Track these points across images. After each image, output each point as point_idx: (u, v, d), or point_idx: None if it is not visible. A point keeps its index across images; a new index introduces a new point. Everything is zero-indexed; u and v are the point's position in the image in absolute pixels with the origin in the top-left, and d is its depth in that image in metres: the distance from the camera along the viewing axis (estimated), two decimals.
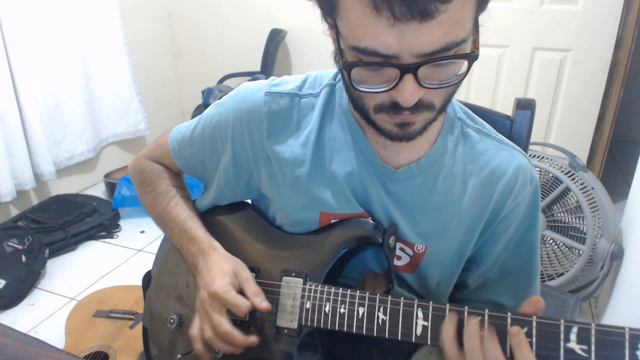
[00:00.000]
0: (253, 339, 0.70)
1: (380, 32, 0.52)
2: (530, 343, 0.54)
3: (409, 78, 0.54)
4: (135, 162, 0.93)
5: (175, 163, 0.88)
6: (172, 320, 0.82)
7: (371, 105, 0.62)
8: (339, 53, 0.59)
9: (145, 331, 0.89)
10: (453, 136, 0.74)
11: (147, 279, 0.93)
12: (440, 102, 0.61)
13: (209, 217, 0.88)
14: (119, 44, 2.89)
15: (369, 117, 0.64)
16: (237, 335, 0.70)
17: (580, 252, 1.77)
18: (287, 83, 0.77)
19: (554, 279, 1.84)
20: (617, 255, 1.72)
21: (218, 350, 0.75)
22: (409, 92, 0.55)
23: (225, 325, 0.70)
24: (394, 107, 0.59)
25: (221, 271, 0.73)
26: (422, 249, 0.75)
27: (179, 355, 0.81)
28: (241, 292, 0.72)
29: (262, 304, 0.70)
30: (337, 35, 0.58)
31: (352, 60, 0.57)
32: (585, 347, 0.51)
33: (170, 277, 0.87)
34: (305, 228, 0.78)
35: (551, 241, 1.85)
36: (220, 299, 0.70)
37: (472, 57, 0.55)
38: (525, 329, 0.54)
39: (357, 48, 0.54)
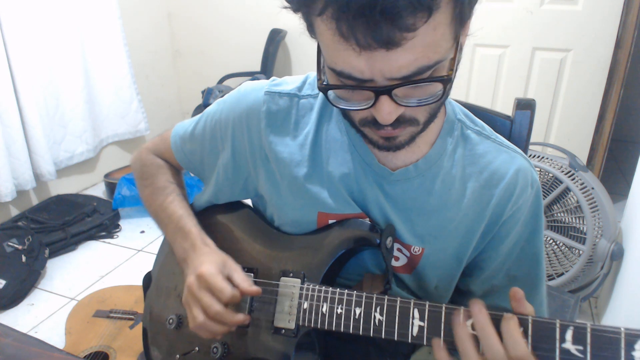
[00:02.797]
0: (242, 317, 0.71)
1: (351, 59, 0.52)
2: (526, 343, 0.54)
3: (384, 99, 0.55)
4: (138, 154, 0.93)
5: (175, 158, 0.89)
6: (171, 320, 0.82)
7: (356, 118, 0.63)
8: (318, 71, 0.60)
9: (145, 331, 0.89)
10: (452, 138, 0.73)
11: (148, 279, 0.93)
12: (425, 116, 0.62)
13: (207, 217, 0.89)
14: (119, 44, 2.90)
15: (357, 128, 0.65)
16: (229, 314, 0.70)
17: (580, 252, 1.77)
18: (287, 83, 0.78)
19: (554, 279, 1.83)
20: (617, 255, 1.72)
21: (216, 350, 0.75)
22: (385, 111, 0.56)
23: (216, 305, 0.69)
24: (377, 122, 0.59)
25: (210, 259, 0.74)
26: (418, 250, 0.75)
27: (178, 356, 0.81)
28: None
29: (252, 287, 0.71)
30: (318, 51, 0.59)
31: (331, 79, 0.58)
32: (581, 347, 0.51)
33: (170, 278, 0.87)
34: (303, 228, 0.78)
35: (551, 241, 1.85)
36: (205, 281, 0.70)
37: (445, 81, 0.55)
38: (521, 329, 0.54)
39: (334, 70, 0.55)
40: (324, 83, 0.59)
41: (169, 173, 0.90)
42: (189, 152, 0.87)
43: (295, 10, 0.57)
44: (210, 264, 0.73)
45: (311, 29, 0.57)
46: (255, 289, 0.71)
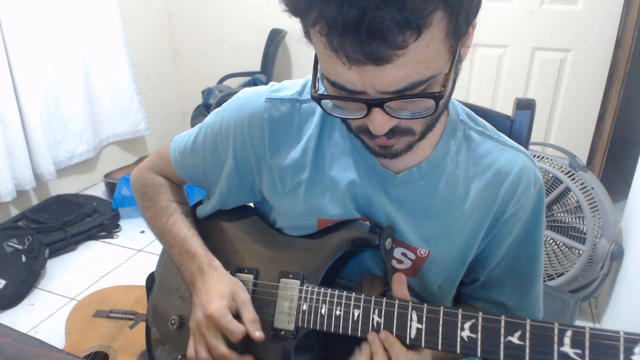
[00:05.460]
0: (248, 358, 0.71)
1: (342, 71, 0.52)
2: (524, 347, 0.54)
3: (377, 111, 0.55)
4: (137, 174, 0.92)
5: (177, 174, 0.88)
6: (173, 321, 0.82)
7: (352, 125, 0.63)
8: (313, 78, 0.60)
9: (147, 331, 0.90)
10: (455, 139, 0.73)
11: (151, 279, 0.94)
12: (421, 127, 0.61)
13: (209, 218, 0.89)
14: (119, 44, 2.89)
15: (355, 134, 0.65)
16: (233, 358, 0.71)
17: (580, 252, 1.77)
18: (287, 89, 0.77)
19: (554, 279, 1.83)
20: (617, 255, 1.72)
21: None
22: (378, 123, 0.56)
23: (221, 348, 0.70)
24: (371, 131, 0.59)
25: (219, 293, 0.73)
26: (425, 253, 0.75)
27: (180, 356, 0.81)
28: (237, 315, 0.72)
29: (256, 333, 0.70)
30: (315, 58, 0.59)
31: (327, 86, 0.58)
32: (579, 351, 0.51)
33: (173, 278, 0.87)
34: (304, 232, 0.78)
35: (551, 241, 1.85)
36: (216, 322, 0.70)
37: (437, 97, 0.54)
38: (519, 333, 0.54)
39: (328, 79, 0.56)
40: (318, 92, 0.59)
41: (169, 192, 0.89)
42: (191, 166, 0.86)
43: (293, 16, 0.57)
44: (219, 300, 0.72)
45: (307, 36, 0.57)
46: (259, 335, 0.70)
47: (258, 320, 0.72)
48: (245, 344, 0.74)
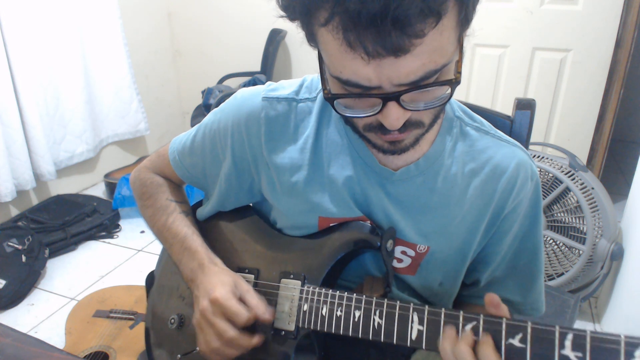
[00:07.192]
0: (257, 339, 0.71)
1: (358, 68, 0.52)
2: (525, 349, 0.54)
3: (392, 105, 0.55)
4: (137, 174, 0.92)
5: (176, 174, 0.88)
6: (172, 320, 0.82)
7: (360, 125, 0.63)
8: (322, 80, 0.60)
9: (147, 330, 0.90)
10: (452, 135, 0.74)
11: (150, 279, 0.94)
12: (430, 119, 0.62)
13: (209, 219, 0.89)
14: (119, 44, 2.89)
15: (360, 133, 0.65)
16: (244, 339, 0.70)
17: (580, 252, 1.77)
18: (284, 88, 0.77)
19: (554, 279, 1.83)
20: (617, 255, 1.72)
21: None
22: (393, 117, 0.56)
23: (231, 331, 0.70)
24: (382, 127, 0.59)
25: (221, 281, 0.73)
26: (424, 249, 0.75)
27: (179, 356, 0.81)
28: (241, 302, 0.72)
29: (266, 314, 0.70)
30: (320, 60, 0.59)
31: (335, 87, 0.58)
32: (580, 354, 0.51)
33: (173, 278, 0.87)
34: (305, 231, 0.78)
35: (551, 241, 1.85)
36: (220, 305, 0.70)
37: (453, 84, 0.56)
38: (520, 335, 0.54)
39: (339, 79, 0.55)
40: (330, 93, 0.59)
41: (168, 191, 0.89)
42: (190, 166, 0.86)
43: (293, 19, 0.57)
44: (222, 286, 0.72)
45: (312, 38, 0.57)
46: (269, 316, 0.71)
47: (264, 303, 0.72)
48: None
